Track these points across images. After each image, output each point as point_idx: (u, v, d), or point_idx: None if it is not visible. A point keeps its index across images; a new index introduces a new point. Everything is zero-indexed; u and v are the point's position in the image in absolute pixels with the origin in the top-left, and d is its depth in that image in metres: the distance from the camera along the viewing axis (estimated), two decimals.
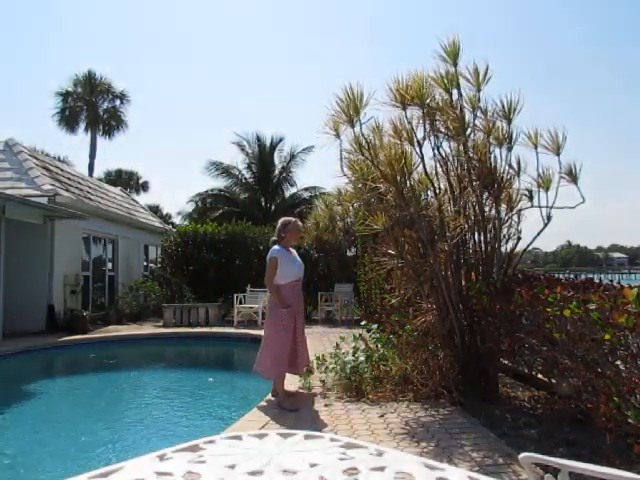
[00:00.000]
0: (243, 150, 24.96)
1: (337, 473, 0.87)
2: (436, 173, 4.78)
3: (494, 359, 4.60)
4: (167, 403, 6.02)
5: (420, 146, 4.56)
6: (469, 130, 4.59)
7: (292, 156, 24.65)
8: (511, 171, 4.65)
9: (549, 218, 4.47)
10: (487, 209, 4.73)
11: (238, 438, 1.06)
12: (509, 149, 4.60)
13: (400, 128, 4.58)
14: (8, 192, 9.24)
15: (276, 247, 4.68)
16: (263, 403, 4.55)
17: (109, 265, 14.13)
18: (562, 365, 3.55)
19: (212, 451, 1.00)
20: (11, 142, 12.22)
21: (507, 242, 4.76)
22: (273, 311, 4.66)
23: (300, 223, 4.91)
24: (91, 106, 29.28)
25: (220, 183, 25.43)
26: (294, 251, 4.86)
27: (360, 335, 5.60)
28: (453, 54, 4.51)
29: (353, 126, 4.42)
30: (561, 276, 4.38)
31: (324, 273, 13.24)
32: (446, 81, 4.53)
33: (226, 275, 12.83)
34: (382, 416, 4.11)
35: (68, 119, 29.24)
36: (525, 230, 4.76)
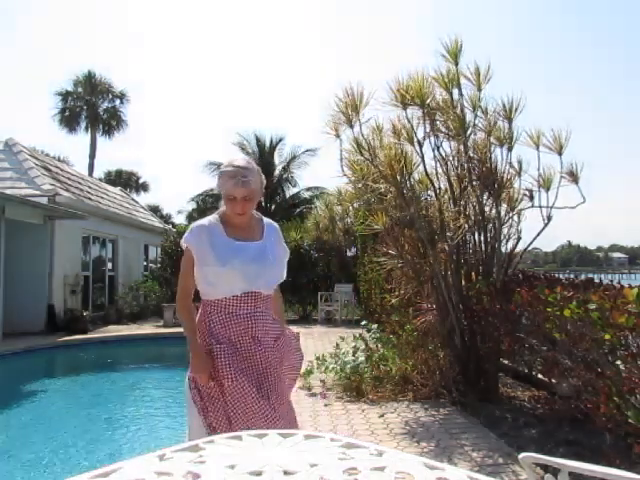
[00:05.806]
0: (243, 150, 24.98)
1: (337, 473, 0.87)
2: (436, 173, 4.77)
3: (494, 359, 4.60)
4: (167, 403, 6.01)
5: (420, 146, 4.55)
6: (469, 130, 4.58)
7: (293, 156, 24.67)
8: (512, 171, 4.65)
9: (549, 218, 4.47)
10: (487, 209, 4.72)
11: (238, 438, 1.06)
12: (510, 149, 4.59)
13: (400, 128, 4.57)
14: (8, 192, 9.24)
15: (202, 222, 2.13)
16: None
17: (109, 265, 14.13)
18: (562, 365, 3.55)
19: (212, 451, 1.00)
20: (11, 142, 12.20)
21: (507, 242, 4.76)
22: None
23: (233, 165, 2.02)
24: (91, 106, 29.25)
25: None
26: (261, 225, 2.18)
27: (360, 335, 5.60)
28: (454, 53, 4.50)
29: (352, 127, 4.40)
30: (561, 276, 4.38)
31: (324, 273, 13.26)
32: (447, 80, 4.52)
33: None
34: (382, 416, 4.11)
35: (68, 119, 29.20)
36: (525, 230, 4.76)
